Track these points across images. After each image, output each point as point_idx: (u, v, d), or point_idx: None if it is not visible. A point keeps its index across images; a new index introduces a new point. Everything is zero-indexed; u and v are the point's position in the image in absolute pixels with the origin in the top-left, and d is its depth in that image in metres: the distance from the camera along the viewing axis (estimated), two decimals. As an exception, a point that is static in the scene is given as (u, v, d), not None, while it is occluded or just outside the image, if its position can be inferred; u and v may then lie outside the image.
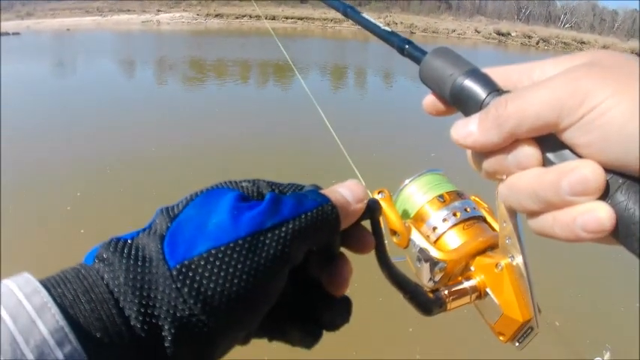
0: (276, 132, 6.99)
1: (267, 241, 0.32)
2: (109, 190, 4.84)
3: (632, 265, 2.80)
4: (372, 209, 0.41)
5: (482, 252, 0.45)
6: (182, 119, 7.57)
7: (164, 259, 0.30)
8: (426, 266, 0.45)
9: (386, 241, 0.42)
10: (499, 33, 37.84)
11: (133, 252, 0.31)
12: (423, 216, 0.47)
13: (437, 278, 0.45)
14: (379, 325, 2.95)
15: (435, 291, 0.44)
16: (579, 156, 0.30)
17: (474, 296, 0.44)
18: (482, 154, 0.35)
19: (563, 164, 0.31)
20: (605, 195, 0.29)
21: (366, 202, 0.39)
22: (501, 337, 0.43)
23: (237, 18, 37.01)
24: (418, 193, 0.49)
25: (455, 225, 0.46)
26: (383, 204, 0.43)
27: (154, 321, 0.29)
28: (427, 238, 0.46)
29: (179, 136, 6.58)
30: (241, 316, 0.31)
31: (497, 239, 0.42)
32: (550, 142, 0.32)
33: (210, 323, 0.30)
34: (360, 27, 0.51)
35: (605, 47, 34.23)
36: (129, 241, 0.32)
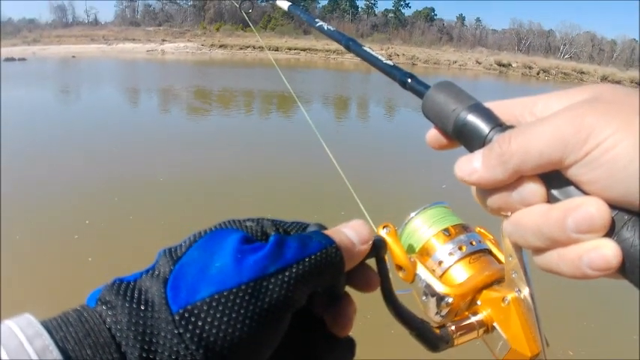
0: (279, 163, 7.01)
1: (271, 287, 0.31)
2: (116, 218, 4.84)
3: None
4: (378, 248, 0.40)
5: (488, 286, 0.44)
6: (187, 149, 7.61)
7: (167, 304, 0.30)
8: (433, 301, 0.44)
9: (392, 276, 0.42)
10: (500, 64, 38.28)
11: (135, 295, 0.30)
12: (429, 250, 0.47)
13: (443, 313, 0.44)
14: (393, 356, 2.91)
15: (441, 327, 0.43)
16: (584, 192, 0.30)
17: (481, 331, 0.43)
18: (487, 190, 0.35)
19: (568, 201, 0.30)
20: (611, 232, 0.28)
21: (371, 242, 0.39)
22: None
23: (241, 49, 37.58)
24: (423, 227, 0.48)
25: (461, 259, 0.46)
26: (388, 239, 0.43)
27: None
28: (433, 272, 0.46)
29: (185, 166, 6.60)
30: None
31: (503, 272, 0.42)
32: (555, 178, 0.31)
33: None
34: (362, 60, 0.51)
35: (604, 77, 34.63)
36: (132, 284, 0.31)
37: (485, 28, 75.19)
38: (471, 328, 0.43)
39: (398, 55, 39.09)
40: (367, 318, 2.94)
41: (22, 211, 4.85)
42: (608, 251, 0.28)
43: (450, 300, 0.44)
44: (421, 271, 0.45)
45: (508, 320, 0.41)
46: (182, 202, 5.26)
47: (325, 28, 0.60)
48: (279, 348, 0.34)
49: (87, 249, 4.08)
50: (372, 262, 0.41)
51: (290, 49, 39.07)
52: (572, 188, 0.31)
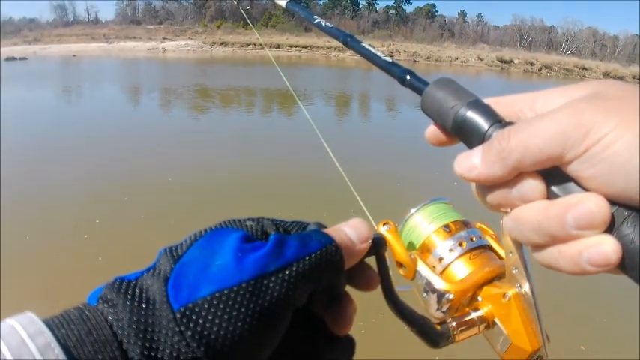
0: (280, 161, 7.03)
1: (271, 285, 0.31)
2: (127, 217, 4.85)
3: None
4: (378, 246, 0.41)
5: (489, 282, 0.44)
6: (191, 148, 7.62)
7: (168, 302, 0.30)
8: (433, 297, 0.44)
9: (392, 272, 0.42)
10: (502, 60, 38.21)
11: (137, 293, 0.31)
12: (429, 246, 0.47)
13: (444, 309, 0.44)
14: (405, 354, 2.92)
15: (442, 323, 0.43)
16: (584, 189, 0.30)
17: (482, 327, 0.44)
18: (487, 187, 0.35)
19: (567, 197, 0.30)
20: (610, 228, 0.29)
21: (370, 241, 0.39)
22: None
23: (242, 46, 37.56)
24: (424, 223, 0.48)
25: (461, 255, 0.46)
26: (388, 236, 0.43)
27: None
28: (433, 269, 0.46)
29: (190, 165, 6.62)
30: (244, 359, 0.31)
31: (504, 268, 0.42)
32: (554, 175, 0.31)
33: None
34: (361, 57, 0.51)
35: (606, 73, 34.55)
36: (133, 282, 0.31)
37: (487, 24, 75.07)
38: (471, 323, 0.43)
39: (399, 52, 39.04)
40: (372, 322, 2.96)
41: (31, 211, 4.87)
42: (607, 247, 0.28)
43: (451, 296, 0.44)
44: (421, 267, 0.45)
45: (509, 316, 0.42)
46: (190, 202, 5.26)
47: (323, 24, 0.60)
48: (280, 347, 0.34)
49: (97, 248, 4.09)
50: (372, 261, 0.42)
51: (291, 46, 39.03)
52: (571, 184, 0.31)
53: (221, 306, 0.30)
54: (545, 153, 0.30)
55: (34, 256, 3.97)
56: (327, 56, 35.49)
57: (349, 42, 0.53)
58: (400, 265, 0.45)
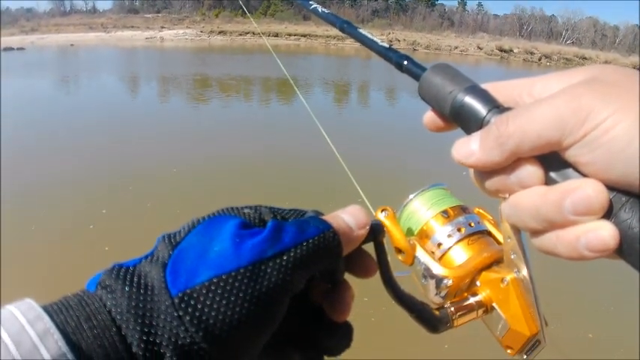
0: (279, 150, 7.02)
1: (269, 270, 0.31)
2: (132, 207, 4.85)
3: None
4: (376, 232, 0.41)
5: (487, 267, 0.44)
6: (191, 136, 7.62)
7: (166, 288, 0.30)
8: (432, 283, 0.44)
9: (391, 258, 0.42)
10: (501, 49, 38.05)
11: (135, 279, 0.31)
12: (428, 232, 0.47)
13: (443, 294, 0.44)
14: (414, 341, 2.93)
15: (441, 308, 0.44)
16: (582, 174, 0.30)
17: (480, 312, 0.44)
18: (485, 173, 0.35)
19: (565, 183, 0.30)
20: (608, 213, 0.29)
21: (368, 227, 0.39)
22: (509, 351, 0.43)
23: (240, 35, 37.31)
24: (422, 209, 0.48)
25: (459, 240, 0.46)
26: (386, 222, 0.43)
27: (155, 349, 0.29)
28: (432, 254, 0.46)
29: (191, 154, 6.62)
30: (242, 345, 0.31)
31: (502, 253, 0.42)
32: (552, 160, 0.31)
33: (212, 351, 0.30)
34: (358, 43, 0.50)
35: (606, 62, 34.32)
36: (131, 269, 0.32)
37: (487, 13, 74.68)
38: (470, 308, 0.44)
39: (399, 41, 38.83)
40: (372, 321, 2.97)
41: (35, 201, 4.86)
42: (605, 233, 0.28)
43: (449, 282, 0.44)
44: (420, 253, 0.45)
45: (507, 301, 0.42)
46: (194, 191, 5.26)
47: (320, 10, 0.59)
48: (278, 334, 0.34)
49: (103, 238, 4.09)
50: (370, 248, 0.42)
51: (290, 35, 38.82)
52: (570, 170, 0.31)
53: (219, 291, 0.30)
54: (544, 138, 0.30)
55: (40, 246, 3.97)
56: (326, 45, 35.29)
57: (346, 28, 0.52)
58: (399, 250, 0.45)
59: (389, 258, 0.42)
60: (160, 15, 53.46)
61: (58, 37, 33.40)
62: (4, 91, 9.73)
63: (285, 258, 0.32)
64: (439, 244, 0.46)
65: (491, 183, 0.34)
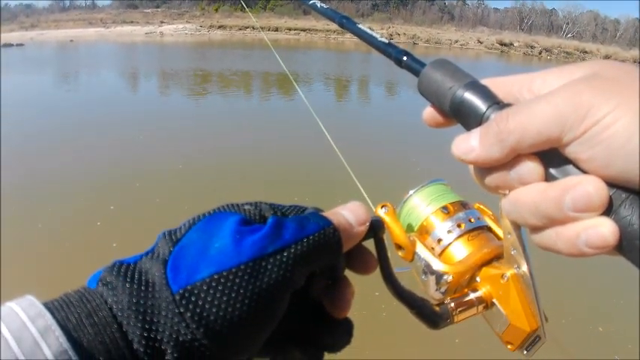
0: (279, 145, 7.01)
1: (270, 267, 0.32)
2: (139, 204, 4.84)
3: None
4: (376, 228, 0.41)
5: (487, 263, 0.44)
6: (194, 132, 7.59)
7: (167, 284, 0.30)
8: (432, 279, 0.44)
9: (391, 254, 0.42)
10: (502, 43, 37.95)
11: (136, 276, 0.31)
12: (428, 228, 0.47)
13: (443, 290, 0.44)
14: (425, 336, 2.94)
15: (441, 304, 0.44)
16: (582, 170, 0.30)
17: (480, 307, 0.44)
18: (485, 169, 0.35)
19: (565, 180, 0.30)
20: (608, 210, 0.29)
21: (368, 224, 0.39)
22: (509, 346, 0.43)
23: (240, 29, 37.22)
24: (422, 205, 0.48)
25: (459, 236, 0.46)
26: (386, 218, 0.43)
27: (156, 345, 0.29)
28: (432, 250, 0.46)
29: (193, 150, 6.59)
30: (243, 341, 0.31)
31: (502, 249, 0.42)
32: (552, 156, 0.31)
33: (213, 347, 0.30)
34: (357, 38, 0.50)
35: (607, 56, 34.28)
36: (132, 265, 0.32)
37: (487, 7, 74.50)
38: (470, 304, 0.44)
39: (399, 35, 38.74)
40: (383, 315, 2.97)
41: (41, 199, 4.84)
42: (605, 229, 0.28)
43: (450, 278, 0.44)
44: (420, 249, 0.45)
45: (507, 296, 0.42)
46: (200, 187, 5.23)
47: (319, 5, 0.59)
48: (278, 330, 0.34)
49: (111, 235, 4.06)
50: (370, 244, 0.42)
51: (290, 29, 38.70)
52: (570, 167, 0.31)
53: (220, 288, 0.30)
54: (544, 135, 0.30)
55: (47, 244, 3.95)
56: (326, 39, 35.21)
57: (345, 23, 0.52)
58: (399, 247, 0.45)
59: (389, 254, 0.42)
60: (159, 10, 53.33)
61: (58, 32, 33.29)
62: (5, 88, 9.73)
63: (285, 254, 0.32)
64: (439, 240, 0.46)
65: (491, 179, 0.34)
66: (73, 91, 12.12)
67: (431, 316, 0.43)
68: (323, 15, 0.58)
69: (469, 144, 0.34)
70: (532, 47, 37.24)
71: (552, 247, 0.31)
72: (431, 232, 0.47)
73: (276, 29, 38.18)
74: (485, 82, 0.37)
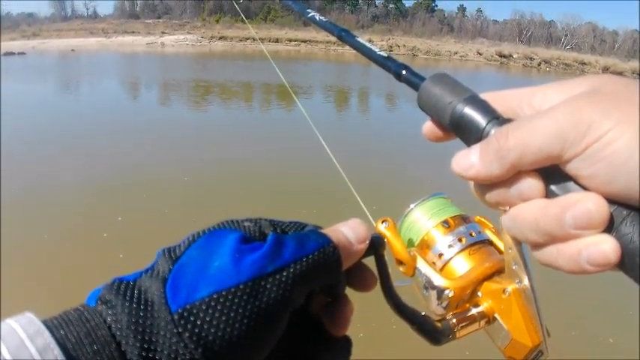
0: (280, 157, 7.00)
1: (269, 286, 0.31)
2: (146, 215, 4.81)
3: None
4: (376, 245, 0.40)
5: (489, 277, 0.44)
6: (196, 143, 7.59)
7: (166, 303, 0.30)
8: (433, 294, 0.44)
9: (392, 269, 0.42)
10: (501, 55, 38.13)
11: (135, 295, 0.31)
12: (429, 243, 0.47)
13: (444, 305, 0.44)
14: (435, 348, 2.92)
15: (443, 320, 0.43)
16: (583, 187, 0.30)
17: (482, 322, 0.43)
18: (485, 185, 0.34)
19: (566, 196, 0.30)
20: (609, 227, 0.28)
21: (368, 241, 0.39)
22: None
23: (240, 40, 37.38)
24: (423, 219, 0.48)
25: (461, 251, 0.45)
26: (387, 233, 0.43)
27: None
28: (433, 265, 0.46)
29: (198, 161, 6.58)
30: None
31: (504, 263, 0.42)
32: (553, 173, 0.31)
33: None
34: (355, 51, 0.50)
35: (606, 68, 34.49)
36: (131, 283, 0.32)
37: (487, 18, 74.97)
38: (472, 320, 0.43)
39: (399, 47, 38.91)
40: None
41: (45, 209, 4.80)
42: (606, 247, 0.28)
43: (451, 293, 0.43)
44: (421, 264, 0.45)
45: (509, 311, 0.41)
46: (204, 199, 5.22)
47: (317, 18, 0.59)
48: (277, 347, 0.34)
49: (117, 246, 4.02)
50: (370, 260, 0.42)
51: (290, 40, 38.90)
52: (570, 183, 0.31)
53: (219, 307, 0.30)
54: (545, 151, 0.30)
55: (53, 255, 3.91)
56: (327, 51, 35.34)
57: (344, 36, 0.52)
58: (400, 262, 0.44)
59: (390, 269, 0.42)
60: (160, 20, 53.62)
61: (59, 42, 33.44)
62: (5, 96, 9.74)
63: (285, 274, 0.32)
64: (440, 255, 0.46)
65: (492, 196, 0.34)
66: (74, 100, 12.16)
67: (432, 332, 0.42)
68: (322, 28, 0.58)
69: (469, 160, 0.34)
70: (531, 59, 37.41)
71: (553, 263, 0.31)
72: (432, 246, 0.47)
73: (277, 40, 38.37)
74: (485, 96, 0.37)
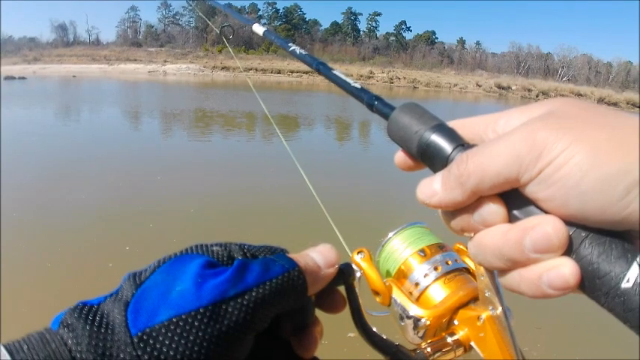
0: (269, 188, 6.95)
1: (230, 309, 0.32)
2: (152, 245, 4.71)
3: None
4: (345, 274, 0.40)
5: (464, 305, 0.44)
6: (197, 172, 7.60)
7: (126, 327, 0.30)
8: (410, 323, 0.44)
9: (370, 300, 0.42)
10: (500, 86, 38.61)
11: (97, 318, 0.31)
12: (406, 272, 0.47)
13: (421, 334, 0.44)
14: None
15: (417, 349, 0.43)
16: (543, 210, 0.30)
17: (459, 351, 0.44)
18: (449, 212, 0.34)
19: (525, 221, 0.30)
20: (569, 249, 0.28)
21: (337, 266, 0.39)
22: None
23: (241, 72, 37.76)
24: (400, 248, 0.49)
25: (436, 279, 0.46)
26: (363, 264, 0.43)
27: None
28: (410, 295, 0.46)
29: (204, 191, 6.57)
30: None
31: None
32: (514, 197, 0.31)
33: None
34: (331, 83, 0.52)
35: (601, 99, 34.86)
36: (94, 307, 0.32)
37: (485, 51, 76.17)
38: (447, 347, 0.43)
39: (399, 79, 39.36)
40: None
41: (49, 237, 4.75)
42: (566, 270, 0.28)
43: (427, 322, 0.44)
44: (396, 294, 0.46)
45: (484, 339, 0.41)
46: (212, 231, 5.15)
47: (297, 52, 0.61)
48: None
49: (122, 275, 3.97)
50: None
51: (292, 72, 39.36)
52: (532, 207, 0.30)
53: (178, 331, 0.30)
54: (502, 176, 0.30)
55: (57, 282, 3.87)
56: (329, 82, 35.64)
57: (321, 69, 0.54)
58: (376, 292, 0.45)
59: (368, 298, 0.42)
60: (163, 49, 54.34)
61: (61, 67, 33.81)
62: (5, 121, 9.79)
63: (246, 297, 0.32)
64: (417, 284, 0.46)
65: (456, 222, 0.34)
66: (74, 127, 12.18)
67: None
68: (302, 61, 0.60)
69: (432, 188, 0.34)
70: (529, 90, 37.86)
71: (517, 289, 0.31)
72: (409, 275, 0.47)
73: (279, 71, 38.87)
74: (453, 123, 0.37)
